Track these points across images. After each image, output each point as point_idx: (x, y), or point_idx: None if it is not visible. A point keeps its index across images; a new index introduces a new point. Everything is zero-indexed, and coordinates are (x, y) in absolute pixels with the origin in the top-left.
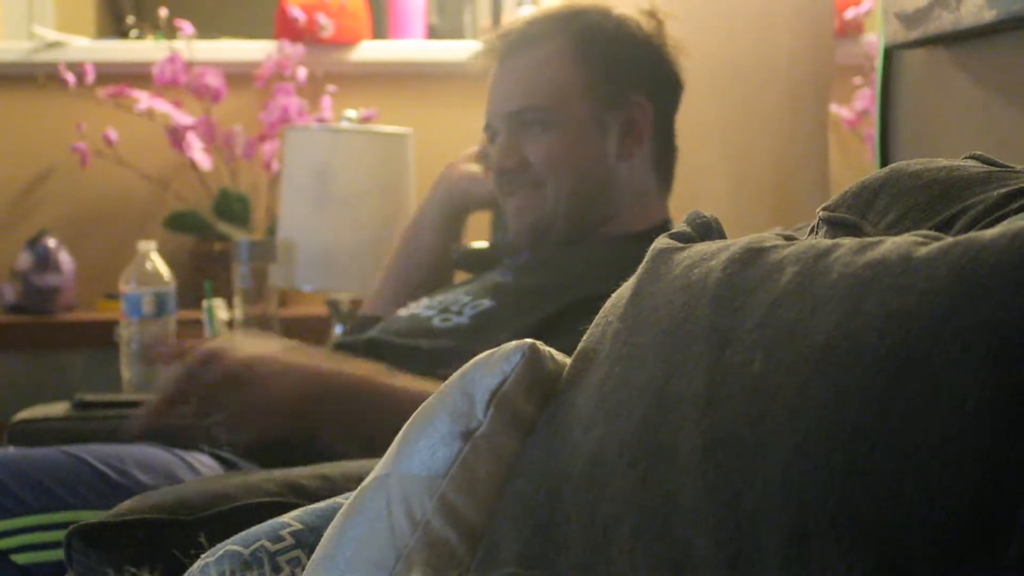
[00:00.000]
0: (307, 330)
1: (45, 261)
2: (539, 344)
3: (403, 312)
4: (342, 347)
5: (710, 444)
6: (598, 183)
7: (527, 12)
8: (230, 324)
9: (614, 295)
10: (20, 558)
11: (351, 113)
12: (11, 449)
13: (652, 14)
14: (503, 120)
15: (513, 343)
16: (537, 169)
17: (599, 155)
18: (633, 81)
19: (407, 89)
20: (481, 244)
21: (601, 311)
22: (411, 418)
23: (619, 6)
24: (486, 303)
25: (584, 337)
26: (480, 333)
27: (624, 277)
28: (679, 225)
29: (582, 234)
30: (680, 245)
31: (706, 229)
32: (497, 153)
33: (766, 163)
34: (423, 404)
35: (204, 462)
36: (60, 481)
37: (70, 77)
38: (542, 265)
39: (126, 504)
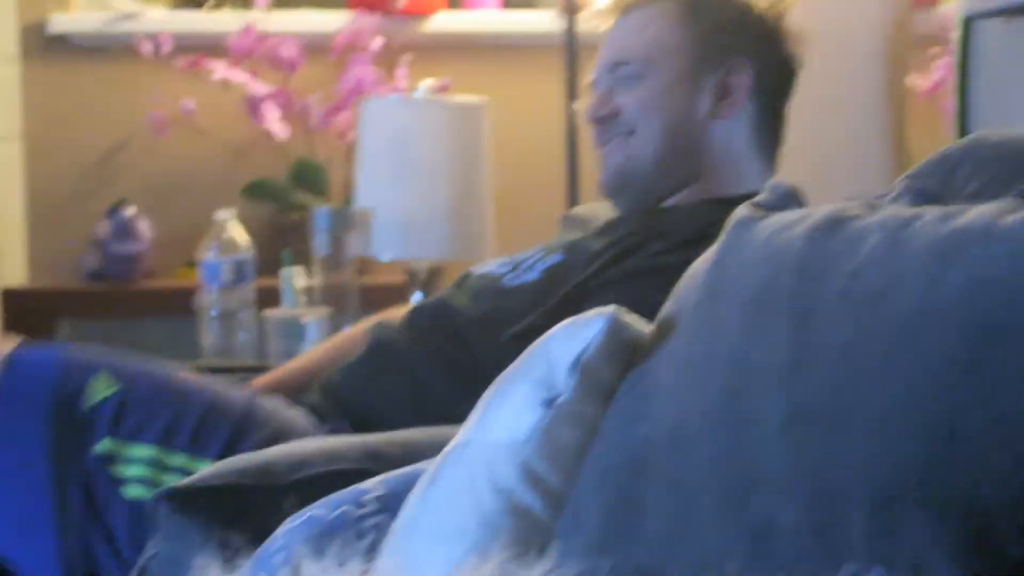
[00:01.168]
0: (385, 298)
1: (124, 229)
2: (622, 311)
3: (476, 270)
4: (416, 311)
5: (794, 413)
6: (687, 137)
7: None
8: (308, 292)
9: (695, 263)
10: (131, 491)
11: (426, 83)
12: None
13: None
14: (602, 73)
15: (595, 310)
16: (628, 117)
17: (690, 109)
18: (734, 45)
19: (482, 59)
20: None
21: (682, 279)
22: (492, 385)
23: None
24: (556, 257)
25: (665, 305)
26: (548, 287)
27: (702, 241)
28: (761, 194)
29: (667, 188)
30: (762, 214)
31: (788, 198)
32: (592, 103)
33: (843, 132)
34: (506, 371)
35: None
36: (190, 423)
37: (147, 48)
38: (619, 223)
39: (211, 469)
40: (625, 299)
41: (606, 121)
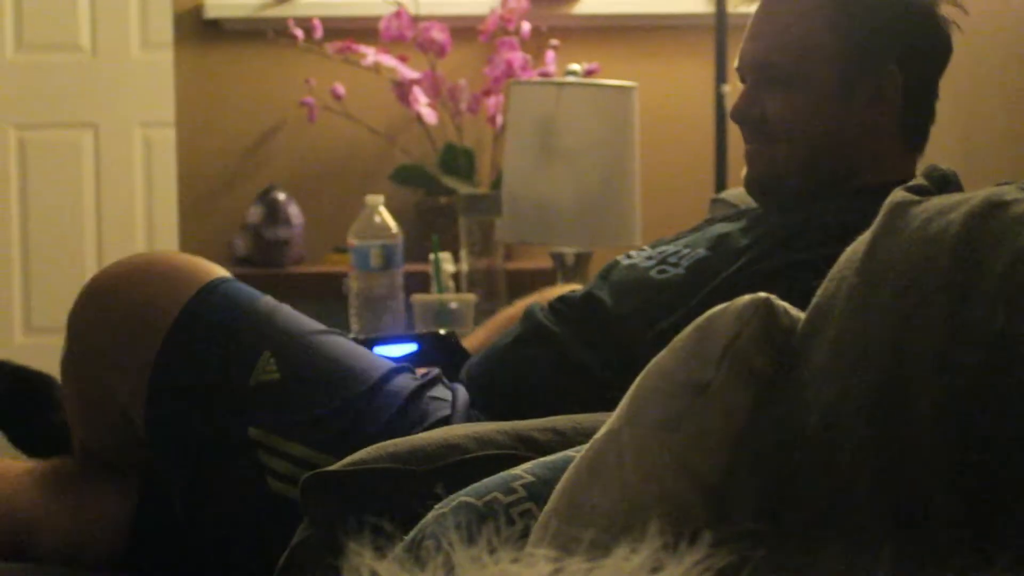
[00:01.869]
0: (532, 284)
1: (275, 214)
2: (774, 298)
3: (624, 260)
4: (562, 301)
5: (950, 399)
6: (834, 148)
7: None
8: (456, 277)
9: (849, 249)
10: (276, 485)
11: (575, 67)
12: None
13: None
14: (750, 68)
15: (748, 296)
16: (773, 126)
17: (839, 122)
18: (890, 51)
19: (631, 43)
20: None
21: (835, 265)
22: (643, 372)
23: None
24: (702, 252)
25: (818, 292)
26: (694, 282)
27: (855, 231)
28: (916, 179)
29: (813, 190)
30: (917, 199)
31: (944, 182)
32: (739, 100)
33: (997, 115)
34: (656, 358)
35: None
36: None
37: (299, 32)
38: (766, 216)
39: (361, 453)
40: (776, 294)
41: (751, 122)
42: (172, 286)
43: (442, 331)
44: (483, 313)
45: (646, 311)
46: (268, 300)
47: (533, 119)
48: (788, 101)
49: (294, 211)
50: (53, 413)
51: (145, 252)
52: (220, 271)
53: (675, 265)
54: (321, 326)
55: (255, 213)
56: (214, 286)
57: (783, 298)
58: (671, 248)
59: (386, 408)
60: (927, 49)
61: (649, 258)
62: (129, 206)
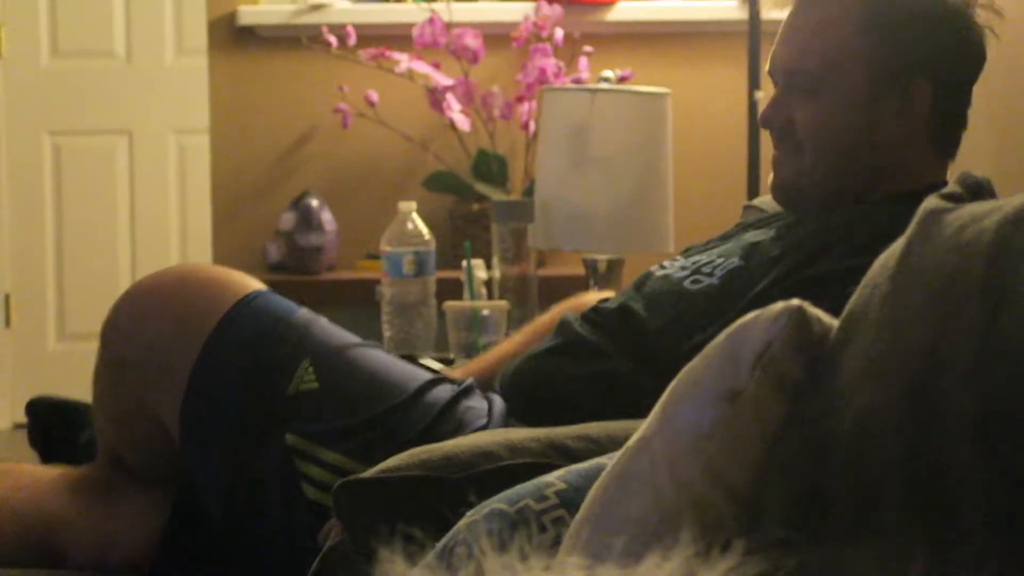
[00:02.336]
0: (564, 291)
1: (308, 221)
2: (806, 306)
3: (658, 271)
4: (597, 312)
5: (982, 408)
6: (861, 156)
7: None
8: (488, 284)
9: (882, 256)
10: (311, 492)
11: (608, 73)
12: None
13: None
14: (780, 73)
15: (780, 304)
16: (799, 133)
17: (866, 132)
18: (919, 65)
19: (664, 49)
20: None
21: (868, 273)
22: (675, 380)
23: None
24: (735, 262)
25: (851, 299)
26: (728, 293)
27: (889, 239)
28: (950, 186)
29: (841, 198)
30: (951, 206)
31: (978, 189)
32: (768, 105)
33: None
34: (688, 366)
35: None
36: (380, 434)
37: (332, 39)
38: (798, 225)
39: (394, 460)
40: (811, 303)
41: (778, 128)
42: (210, 298)
43: (426, 360)
44: (515, 320)
45: (681, 322)
46: (305, 312)
47: (566, 126)
48: (815, 109)
49: (327, 217)
50: (82, 434)
51: (183, 264)
52: (257, 284)
53: (709, 275)
54: (359, 339)
55: (288, 219)
56: (251, 298)
57: (817, 306)
58: (704, 258)
59: (422, 418)
60: (959, 59)
61: (683, 268)
62: (163, 212)
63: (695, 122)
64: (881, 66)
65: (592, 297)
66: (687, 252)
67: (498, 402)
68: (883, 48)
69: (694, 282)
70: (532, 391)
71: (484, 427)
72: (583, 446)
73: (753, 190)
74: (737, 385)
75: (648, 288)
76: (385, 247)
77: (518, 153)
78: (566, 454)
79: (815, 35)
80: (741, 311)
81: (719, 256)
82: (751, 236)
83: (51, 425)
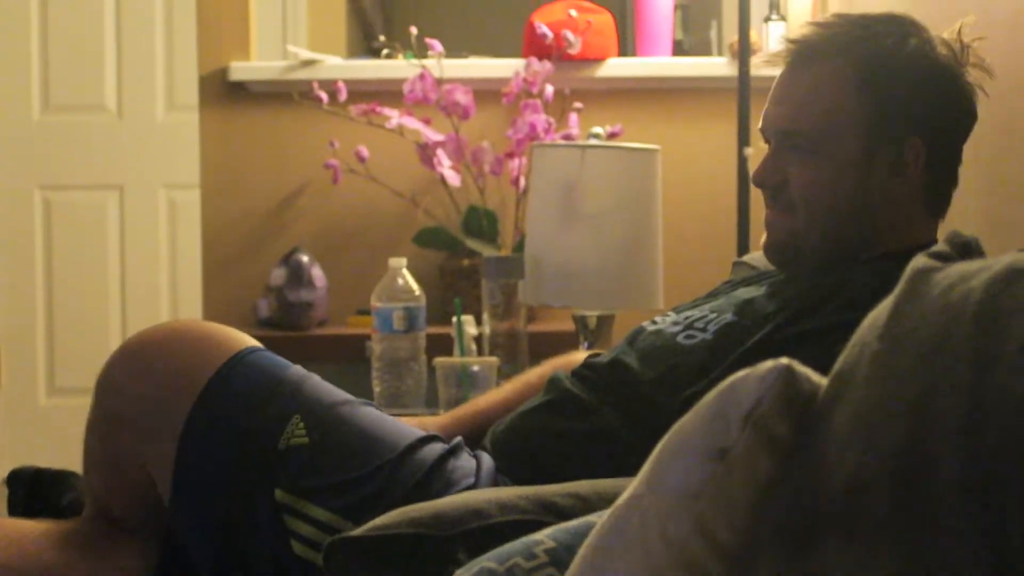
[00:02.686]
0: (554, 346)
1: (299, 276)
2: (795, 364)
3: (650, 326)
4: (589, 368)
5: (974, 469)
6: (855, 216)
7: (821, 19)
8: (478, 340)
9: (871, 315)
10: (299, 549)
11: (598, 130)
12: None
13: (953, 40)
14: (773, 133)
15: (769, 363)
16: (793, 193)
17: (860, 191)
18: (913, 122)
19: (653, 106)
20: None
21: (857, 331)
22: (665, 438)
23: (918, 26)
24: (728, 317)
25: (840, 358)
26: (721, 348)
27: (880, 297)
28: (938, 244)
29: (834, 260)
30: (939, 265)
31: (966, 248)
32: (761, 164)
33: (1021, 180)
34: (678, 423)
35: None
36: (371, 489)
37: (323, 95)
38: (791, 282)
39: (384, 518)
40: (803, 360)
41: (771, 187)
42: (203, 354)
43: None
44: (505, 376)
45: (674, 377)
46: (298, 369)
47: (556, 181)
48: (810, 169)
49: (317, 273)
50: (64, 497)
51: (176, 320)
52: (250, 340)
53: (702, 330)
54: (350, 396)
55: (279, 275)
56: (244, 355)
57: (810, 364)
58: (697, 313)
59: (411, 476)
60: (951, 118)
61: (675, 323)
62: (153, 267)
63: (684, 178)
64: (876, 125)
65: (581, 356)
66: (678, 309)
67: (486, 460)
68: (878, 107)
69: (688, 337)
70: (523, 449)
71: (472, 486)
72: (572, 504)
73: (743, 246)
74: (727, 443)
75: (641, 343)
76: (375, 303)
77: (508, 209)
78: (555, 512)
79: (810, 96)
80: (732, 366)
81: (711, 311)
82: (743, 293)
83: (32, 493)
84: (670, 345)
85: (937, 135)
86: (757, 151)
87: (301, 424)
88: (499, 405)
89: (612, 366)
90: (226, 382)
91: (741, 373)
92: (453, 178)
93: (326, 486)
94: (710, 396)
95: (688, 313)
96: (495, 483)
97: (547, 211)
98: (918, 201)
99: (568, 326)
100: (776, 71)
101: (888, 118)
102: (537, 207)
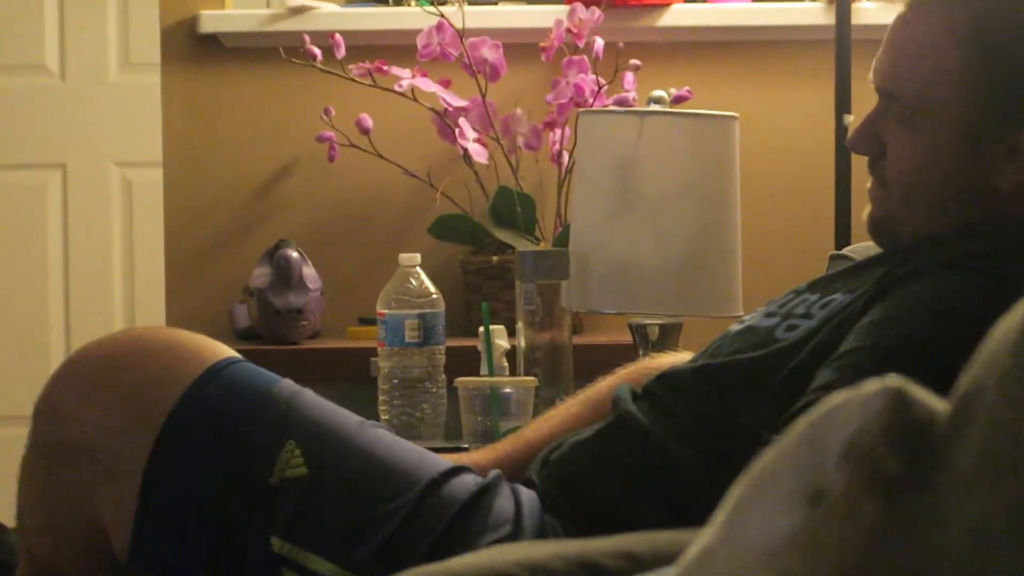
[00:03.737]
0: (607, 363)
1: (286, 277)
2: (908, 385)
3: (735, 327)
4: (666, 380)
5: None
6: (957, 204)
7: None
8: (511, 355)
9: (1002, 323)
10: None
11: (660, 93)
12: None
13: None
14: (878, 89)
15: (875, 383)
16: (888, 166)
17: (964, 173)
18: None
19: (730, 63)
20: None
21: (985, 344)
22: (744, 477)
23: None
24: (838, 297)
25: (963, 376)
26: (834, 333)
27: (1009, 300)
28: None
29: (940, 251)
30: None
31: None
32: (860, 124)
33: None
34: (760, 460)
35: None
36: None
37: (316, 51)
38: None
39: None
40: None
41: (870, 155)
42: (169, 369)
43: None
44: (545, 401)
45: (774, 366)
46: (288, 383)
47: (608, 158)
48: (908, 140)
49: (310, 273)
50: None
51: (133, 328)
52: (227, 351)
53: (806, 316)
54: (356, 416)
55: (261, 275)
56: (221, 367)
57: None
58: (795, 299)
59: (437, 520)
60: None
61: (769, 315)
62: (104, 265)
63: (769, 153)
64: (988, 99)
65: (665, 360)
66: (768, 305)
67: (528, 498)
68: (991, 79)
69: (789, 329)
70: (578, 484)
71: (512, 534)
72: (622, 565)
73: (843, 237)
74: (822, 483)
75: (725, 349)
76: (382, 309)
77: (548, 192)
78: (603, 574)
79: (916, 54)
80: (830, 338)
81: (813, 293)
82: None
83: None
84: (767, 342)
85: None
86: (860, 119)
87: (297, 451)
88: (553, 434)
89: (694, 373)
90: (200, 402)
91: (838, 396)
92: (479, 153)
93: (333, 532)
94: (801, 425)
95: (783, 302)
96: (540, 528)
97: (597, 195)
98: None
99: (624, 338)
100: (890, 17)
101: (1002, 95)
102: (584, 190)
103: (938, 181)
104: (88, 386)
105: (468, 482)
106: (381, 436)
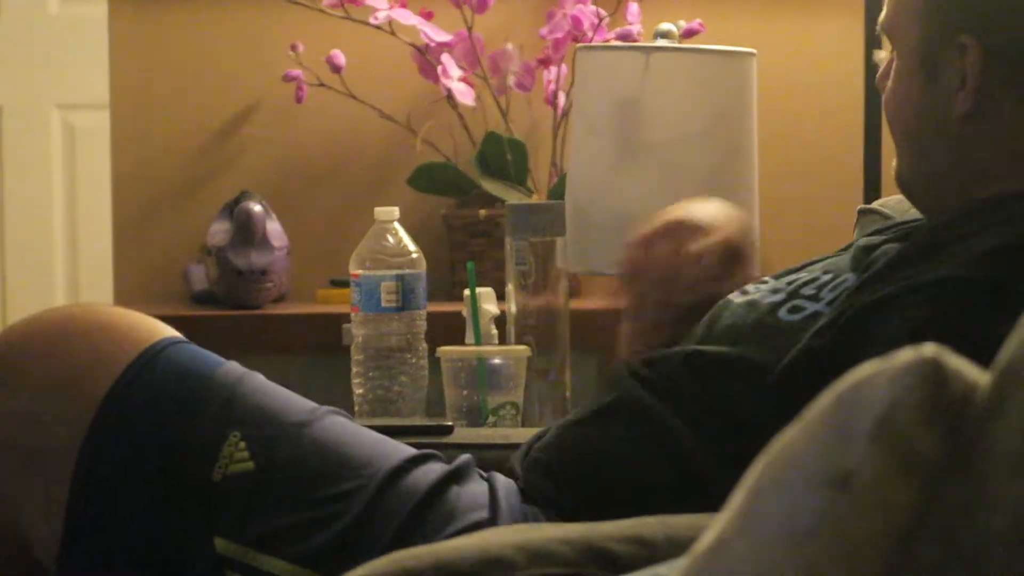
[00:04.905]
0: (605, 329)
1: (248, 233)
2: (944, 355)
3: (738, 297)
4: (652, 364)
5: None
6: (936, 143)
7: None
8: (500, 321)
9: None
10: None
11: (668, 26)
12: None
13: None
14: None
15: (908, 353)
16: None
17: (931, 108)
18: (962, 15)
19: None
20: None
21: None
22: (763, 458)
23: None
24: (850, 278)
25: (1005, 348)
26: (847, 327)
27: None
28: None
29: (941, 197)
30: None
31: None
32: (887, 62)
33: None
34: (781, 439)
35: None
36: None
37: None
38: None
39: (366, 568)
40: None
41: None
42: (102, 351)
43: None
44: (538, 373)
45: (777, 361)
46: (233, 367)
47: (610, 99)
48: (893, 81)
49: (274, 229)
50: None
51: (65, 306)
52: (166, 330)
53: (813, 298)
54: (309, 403)
55: (220, 232)
56: (158, 349)
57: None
58: (805, 276)
59: (398, 508)
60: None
61: (775, 291)
62: (43, 219)
63: (790, 94)
64: (933, 16)
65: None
66: (779, 275)
67: (503, 484)
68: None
69: (792, 310)
70: (568, 470)
71: (487, 521)
72: (633, 551)
73: (872, 189)
74: (849, 465)
75: (725, 321)
76: (356, 270)
77: (542, 138)
78: (609, 563)
79: None
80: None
81: (825, 272)
82: (864, 241)
83: None
84: (766, 324)
85: (999, 40)
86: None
87: (242, 444)
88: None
89: (686, 360)
90: (135, 389)
91: (866, 368)
92: (464, 94)
93: (281, 528)
94: (823, 401)
95: (792, 277)
96: (521, 517)
97: (597, 140)
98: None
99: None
100: None
101: (940, 9)
102: (583, 135)
103: (911, 118)
104: (7, 374)
105: (435, 469)
106: (337, 423)
